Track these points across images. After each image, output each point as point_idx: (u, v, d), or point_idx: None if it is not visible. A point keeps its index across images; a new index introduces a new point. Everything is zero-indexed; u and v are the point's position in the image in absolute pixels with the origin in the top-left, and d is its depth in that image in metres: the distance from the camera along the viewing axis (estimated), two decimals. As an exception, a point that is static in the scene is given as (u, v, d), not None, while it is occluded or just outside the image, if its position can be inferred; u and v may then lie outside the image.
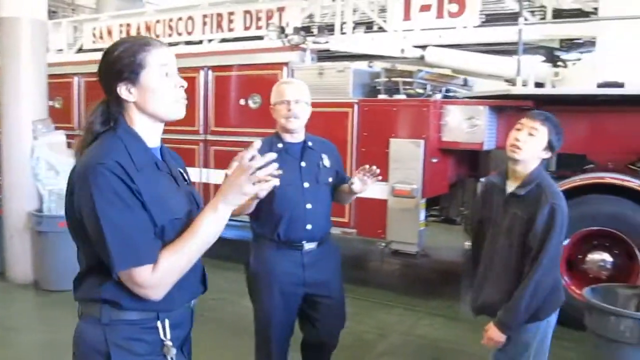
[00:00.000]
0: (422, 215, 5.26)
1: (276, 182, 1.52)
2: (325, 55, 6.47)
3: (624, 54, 4.85)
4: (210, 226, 1.53)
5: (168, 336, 1.59)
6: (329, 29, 6.73)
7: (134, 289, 1.49)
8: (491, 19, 6.14)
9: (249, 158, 1.49)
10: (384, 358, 4.15)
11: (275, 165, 1.51)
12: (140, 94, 1.59)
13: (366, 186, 2.72)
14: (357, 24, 6.79)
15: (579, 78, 5.37)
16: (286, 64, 5.93)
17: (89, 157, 1.51)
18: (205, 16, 7.82)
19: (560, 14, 5.81)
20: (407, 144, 5.19)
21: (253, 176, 1.48)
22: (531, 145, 2.44)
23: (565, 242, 4.23)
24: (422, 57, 6.10)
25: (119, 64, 1.57)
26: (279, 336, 2.81)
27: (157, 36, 7.93)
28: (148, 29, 8.18)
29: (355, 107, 5.49)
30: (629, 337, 2.93)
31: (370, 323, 4.59)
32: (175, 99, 1.62)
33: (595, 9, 5.45)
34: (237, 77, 6.26)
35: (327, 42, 6.33)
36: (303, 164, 2.77)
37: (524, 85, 5.11)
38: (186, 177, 1.77)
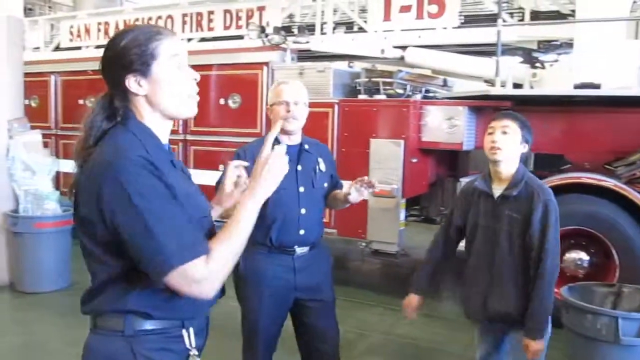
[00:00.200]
0: (402, 215, 5.28)
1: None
2: (306, 55, 6.46)
3: (600, 56, 4.91)
4: (252, 213, 1.45)
5: (193, 344, 1.50)
6: (309, 29, 6.74)
7: (188, 288, 1.36)
8: (470, 20, 6.20)
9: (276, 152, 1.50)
10: (365, 357, 4.16)
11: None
12: (151, 87, 1.45)
13: (362, 197, 2.68)
14: (337, 24, 6.82)
15: (556, 79, 5.44)
16: (266, 63, 5.89)
17: (107, 155, 1.37)
18: (185, 15, 7.78)
19: (538, 16, 5.89)
20: (387, 144, 5.19)
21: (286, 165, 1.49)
22: (509, 143, 2.49)
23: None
24: (402, 58, 6.14)
25: (128, 54, 1.43)
26: (265, 338, 2.75)
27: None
28: (126, 27, 8.12)
29: (336, 107, 5.48)
30: (605, 334, 2.96)
31: (351, 323, 4.59)
32: (189, 94, 1.50)
33: (573, 11, 5.54)
34: (216, 76, 6.20)
35: (307, 42, 6.34)
36: (299, 167, 2.70)
37: (502, 86, 5.16)
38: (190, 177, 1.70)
